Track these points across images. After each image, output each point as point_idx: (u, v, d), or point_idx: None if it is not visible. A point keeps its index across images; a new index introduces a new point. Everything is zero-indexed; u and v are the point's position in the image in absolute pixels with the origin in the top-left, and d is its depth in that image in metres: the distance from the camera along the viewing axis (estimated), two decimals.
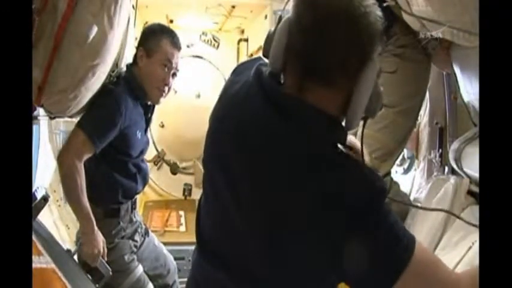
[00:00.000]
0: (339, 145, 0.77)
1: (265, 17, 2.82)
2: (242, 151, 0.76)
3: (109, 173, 1.65)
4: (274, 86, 0.76)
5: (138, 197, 1.85)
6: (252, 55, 3.15)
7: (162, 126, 3.45)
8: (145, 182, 1.81)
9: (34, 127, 1.60)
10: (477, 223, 1.12)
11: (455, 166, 1.54)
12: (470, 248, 1.17)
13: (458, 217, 1.08)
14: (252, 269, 0.77)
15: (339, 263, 0.68)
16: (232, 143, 0.78)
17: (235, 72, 0.91)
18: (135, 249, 1.77)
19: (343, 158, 0.75)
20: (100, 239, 1.54)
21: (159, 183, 3.45)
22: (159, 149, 3.45)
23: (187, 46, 3.29)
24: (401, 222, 0.72)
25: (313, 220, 0.69)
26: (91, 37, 1.33)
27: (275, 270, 0.74)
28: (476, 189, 1.36)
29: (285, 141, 0.72)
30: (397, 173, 2.24)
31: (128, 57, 1.73)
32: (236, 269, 0.79)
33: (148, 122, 1.80)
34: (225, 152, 0.79)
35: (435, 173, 1.86)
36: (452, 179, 1.44)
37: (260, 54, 0.84)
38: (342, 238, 0.68)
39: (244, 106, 0.78)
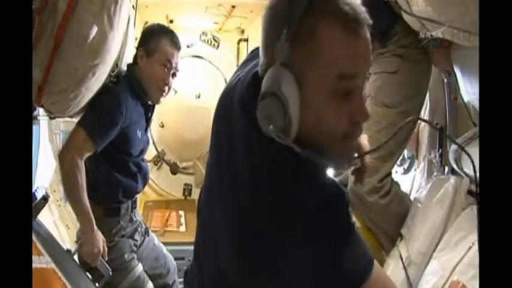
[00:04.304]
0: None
1: None
2: (227, 138, 0.77)
3: (109, 172, 1.66)
4: (251, 81, 0.74)
5: (138, 196, 1.86)
6: None
7: (162, 126, 3.46)
8: (145, 181, 1.81)
9: (34, 127, 1.60)
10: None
11: (455, 166, 1.54)
12: (470, 248, 1.17)
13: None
14: (224, 258, 0.75)
15: (292, 271, 0.66)
16: (222, 128, 0.79)
17: (250, 55, 0.90)
18: (135, 248, 1.77)
19: (298, 163, 0.69)
20: (100, 238, 1.55)
21: (159, 183, 3.45)
22: (159, 149, 3.45)
23: (187, 46, 3.29)
24: (362, 242, 0.70)
25: (271, 221, 0.66)
26: (91, 37, 1.33)
27: (241, 265, 0.72)
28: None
29: (250, 139, 0.72)
30: (397, 173, 2.24)
31: (128, 57, 1.73)
32: (219, 252, 0.77)
33: (148, 121, 1.81)
34: (218, 136, 0.81)
35: (435, 173, 1.86)
36: (452, 179, 1.44)
37: None
38: (296, 244, 0.65)
39: (235, 94, 0.78)
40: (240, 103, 0.74)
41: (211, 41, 3.46)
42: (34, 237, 1.23)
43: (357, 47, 0.65)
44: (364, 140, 0.90)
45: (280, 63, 0.64)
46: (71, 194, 1.51)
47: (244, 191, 0.70)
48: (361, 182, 0.83)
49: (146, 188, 2.45)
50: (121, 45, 1.59)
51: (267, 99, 0.65)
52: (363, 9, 0.66)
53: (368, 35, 0.66)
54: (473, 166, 0.73)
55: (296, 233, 0.65)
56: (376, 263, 0.69)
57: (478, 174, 0.71)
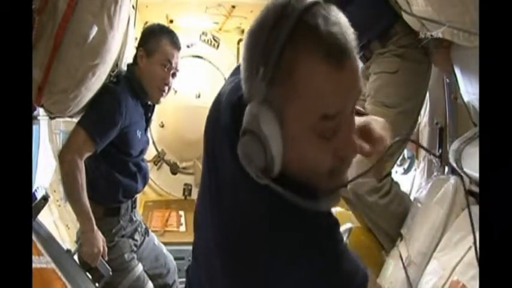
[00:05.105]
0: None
1: None
2: (213, 148, 0.74)
3: (109, 172, 1.66)
4: (236, 103, 0.69)
5: (138, 196, 1.86)
6: None
7: (162, 126, 3.46)
8: (145, 181, 1.81)
9: (34, 127, 1.60)
10: (477, 223, 1.12)
11: (455, 166, 1.54)
12: (470, 248, 1.17)
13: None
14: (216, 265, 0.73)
15: None
16: (210, 136, 0.77)
17: None
18: (135, 248, 1.77)
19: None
20: (100, 238, 1.55)
21: (159, 183, 3.46)
22: (159, 149, 3.46)
23: (187, 46, 3.30)
24: (354, 259, 0.68)
25: (255, 246, 0.64)
26: (91, 37, 1.33)
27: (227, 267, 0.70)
28: (476, 189, 1.36)
29: (233, 167, 0.67)
30: (397, 173, 2.24)
31: (128, 57, 1.74)
32: (211, 254, 0.74)
33: (148, 121, 1.81)
34: (207, 141, 0.78)
35: (435, 173, 1.86)
36: (452, 179, 1.44)
37: None
38: (286, 269, 0.63)
39: (221, 113, 0.74)
40: (224, 128, 0.70)
41: (211, 41, 3.47)
42: (34, 237, 1.23)
43: (341, 84, 0.58)
44: (376, 123, 0.80)
45: (258, 101, 0.60)
46: (71, 194, 1.51)
47: (228, 210, 0.68)
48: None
49: (146, 188, 2.45)
50: (121, 45, 1.59)
51: (246, 138, 0.62)
52: (350, 32, 0.60)
53: (356, 64, 0.60)
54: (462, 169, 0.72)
55: (285, 262, 0.63)
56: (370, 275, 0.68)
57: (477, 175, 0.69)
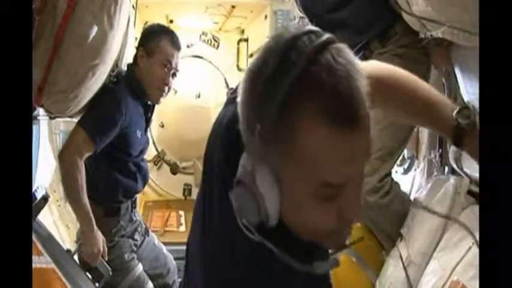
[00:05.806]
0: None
1: (265, 17, 2.83)
2: (208, 172, 0.69)
3: (109, 172, 1.66)
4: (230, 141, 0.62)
5: (138, 196, 1.86)
6: (252, 55, 3.16)
7: (162, 126, 3.46)
8: (145, 181, 1.81)
9: (34, 127, 1.61)
10: (477, 223, 1.12)
11: (455, 166, 1.54)
12: (470, 248, 1.16)
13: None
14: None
15: None
16: (207, 154, 0.70)
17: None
18: (135, 248, 1.78)
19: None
20: (100, 238, 1.55)
21: (159, 183, 3.46)
22: (159, 149, 3.46)
23: (187, 46, 3.30)
24: None
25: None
26: (91, 37, 1.33)
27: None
28: (476, 189, 1.36)
29: (225, 206, 0.62)
30: (397, 173, 2.23)
31: (128, 57, 1.74)
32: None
33: (148, 121, 1.81)
34: (206, 159, 0.70)
35: (435, 173, 1.86)
36: (452, 179, 1.44)
37: None
38: None
39: (217, 148, 0.66)
40: (219, 161, 0.63)
41: (211, 41, 3.47)
42: (34, 237, 1.23)
43: (347, 152, 0.52)
44: None
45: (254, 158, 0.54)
46: (71, 194, 1.52)
47: (215, 245, 0.67)
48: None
49: (146, 188, 2.45)
50: (121, 45, 1.60)
51: (240, 189, 0.56)
52: (361, 82, 0.51)
53: (366, 126, 0.53)
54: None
55: None
56: None
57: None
